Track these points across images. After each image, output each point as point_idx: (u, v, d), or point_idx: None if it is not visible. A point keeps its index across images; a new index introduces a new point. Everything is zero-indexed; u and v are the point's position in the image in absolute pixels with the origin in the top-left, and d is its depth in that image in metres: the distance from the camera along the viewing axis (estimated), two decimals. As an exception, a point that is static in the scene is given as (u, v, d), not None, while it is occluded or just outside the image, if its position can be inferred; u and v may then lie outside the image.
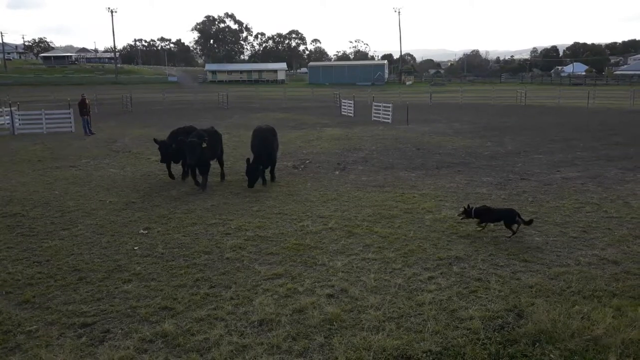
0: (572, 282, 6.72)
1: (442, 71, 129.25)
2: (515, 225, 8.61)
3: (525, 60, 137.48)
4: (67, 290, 6.72)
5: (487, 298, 6.33)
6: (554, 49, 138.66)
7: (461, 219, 9.24)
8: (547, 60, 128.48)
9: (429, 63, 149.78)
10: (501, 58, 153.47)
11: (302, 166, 15.95)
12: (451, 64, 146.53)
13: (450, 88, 76.19)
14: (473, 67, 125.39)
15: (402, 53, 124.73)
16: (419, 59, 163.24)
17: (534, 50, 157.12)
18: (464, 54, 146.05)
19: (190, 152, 12.13)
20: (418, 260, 7.61)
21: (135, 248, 8.34)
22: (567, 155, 17.45)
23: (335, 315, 5.84)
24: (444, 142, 21.24)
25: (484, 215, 8.93)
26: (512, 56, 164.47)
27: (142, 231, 9.23)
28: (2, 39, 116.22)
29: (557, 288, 6.57)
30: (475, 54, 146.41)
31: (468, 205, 9.20)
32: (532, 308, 5.96)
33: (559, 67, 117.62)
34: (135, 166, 15.99)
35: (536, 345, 5.20)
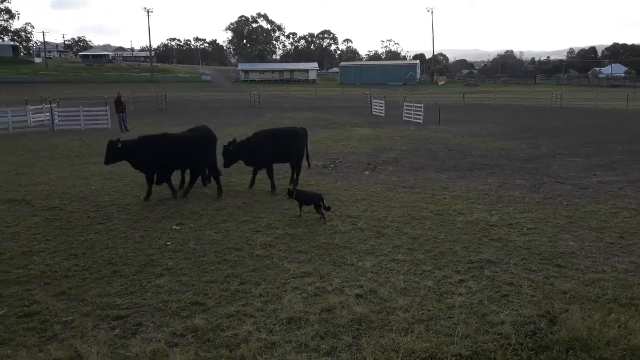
0: (608, 290, 6.53)
1: (475, 72, 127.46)
2: (322, 209, 9.67)
3: (562, 61, 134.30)
4: (101, 283, 6.89)
5: (519, 303, 6.21)
6: (592, 49, 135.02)
7: (287, 198, 10.34)
8: (584, 62, 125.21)
9: (462, 63, 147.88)
10: (537, 59, 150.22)
11: (332, 166, 15.96)
12: (485, 65, 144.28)
13: (483, 89, 75.06)
14: (507, 68, 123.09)
15: (435, 53, 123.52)
16: (452, 59, 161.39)
17: (571, 51, 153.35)
18: (498, 55, 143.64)
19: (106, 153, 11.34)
20: (449, 263, 7.53)
21: (168, 243, 8.49)
22: (605, 159, 16.98)
23: (364, 316, 5.83)
24: (477, 143, 20.94)
25: (300, 198, 10.02)
26: (548, 57, 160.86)
27: (175, 227, 9.40)
28: (44, 39, 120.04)
29: (592, 295, 6.41)
30: (509, 55, 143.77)
31: (294, 187, 10.42)
32: (566, 315, 5.81)
33: (597, 69, 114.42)
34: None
35: (570, 353, 5.08)
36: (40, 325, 5.76)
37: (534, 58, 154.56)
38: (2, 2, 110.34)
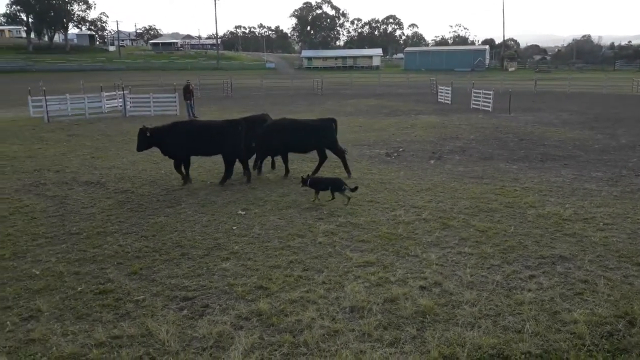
0: (695, 292, 6.07)
1: (548, 57, 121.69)
2: (343, 192, 9.96)
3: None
4: (170, 265, 7.14)
5: (594, 302, 5.89)
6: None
7: (302, 187, 10.41)
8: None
9: (534, 48, 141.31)
10: (616, 43, 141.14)
11: (395, 154, 15.74)
12: (559, 50, 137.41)
13: (556, 75, 71.59)
14: (583, 53, 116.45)
15: (505, 38, 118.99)
16: (523, 44, 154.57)
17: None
18: (573, 39, 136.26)
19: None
20: (518, 257, 7.24)
21: (234, 228, 8.67)
22: (692, 150, 15.78)
23: (429, 308, 5.71)
24: (550, 133, 20.01)
25: (317, 184, 10.18)
26: (629, 41, 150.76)
27: (240, 212, 9.58)
28: (117, 27, 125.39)
29: (677, 297, 5.97)
30: (586, 39, 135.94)
31: (307, 176, 10.54)
32: (646, 317, 5.46)
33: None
34: (234, 149, 16.56)
35: (651, 358, 4.77)
36: (114, 302, 6.04)
37: (613, 43, 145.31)
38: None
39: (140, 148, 12.05)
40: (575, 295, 6.09)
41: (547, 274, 6.69)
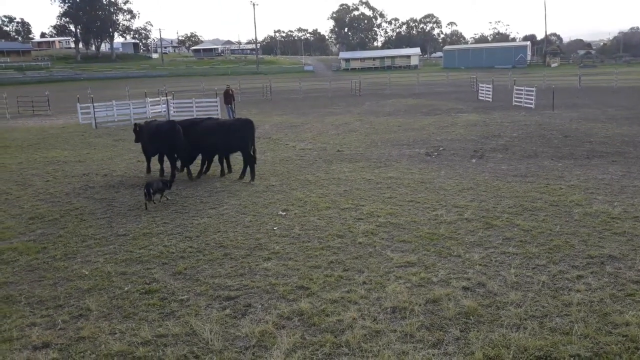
0: None
1: (593, 52, 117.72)
2: (157, 196, 10.52)
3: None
4: (213, 265, 7.26)
5: (647, 303, 5.66)
6: None
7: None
8: None
9: (578, 43, 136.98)
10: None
11: (436, 153, 15.54)
12: (604, 44, 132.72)
13: (602, 70, 69.19)
14: (631, 46, 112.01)
15: (547, 33, 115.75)
16: (566, 39, 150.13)
17: None
18: (619, 32, 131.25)
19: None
20: (565, 257, 7.03)
21: (275, 228, 8.75)
22: None
23: (472, 309, 5.61)
24: (596, 129, 19.34)
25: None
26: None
27: (280, 213, 9.67)
28: (160, 35, 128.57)
29: None
30: (634, 32, 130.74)
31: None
32: None
33: None
34: (274, 151, 16.75)
35: None
36: (159, 302, 6.18)
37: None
38: (124, 4, 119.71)
39: (136, 140, 14.23)
40: (627, 296, 5.86)
41: (595, 274, 6.47)
